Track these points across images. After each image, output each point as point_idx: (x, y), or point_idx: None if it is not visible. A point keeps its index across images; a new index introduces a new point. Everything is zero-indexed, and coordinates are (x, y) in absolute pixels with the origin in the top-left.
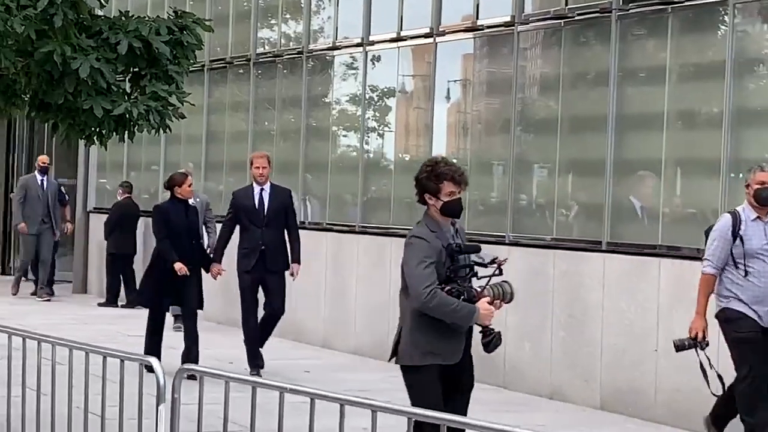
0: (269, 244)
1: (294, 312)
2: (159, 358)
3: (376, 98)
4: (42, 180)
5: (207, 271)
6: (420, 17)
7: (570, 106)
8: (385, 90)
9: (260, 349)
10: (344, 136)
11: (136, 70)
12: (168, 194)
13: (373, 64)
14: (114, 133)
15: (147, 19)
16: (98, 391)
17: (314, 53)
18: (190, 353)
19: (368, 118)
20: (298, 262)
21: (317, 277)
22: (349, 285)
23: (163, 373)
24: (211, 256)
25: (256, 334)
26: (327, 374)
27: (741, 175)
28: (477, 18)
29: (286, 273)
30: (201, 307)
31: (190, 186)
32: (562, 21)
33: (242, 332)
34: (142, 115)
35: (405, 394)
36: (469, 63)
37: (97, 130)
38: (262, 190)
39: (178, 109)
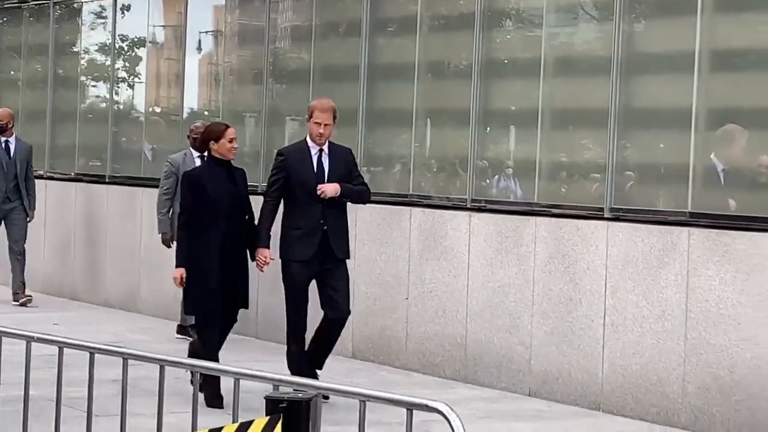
0: (333, 225)
1: (45, 264)
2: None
3: (126, 48)
4: (7, 142)
5: (252, 257)
6: None
7: (322, 56)
8: (136, 40)
9: (318, 371)
10: (93, 86)
11: None
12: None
13: (123, 13)
14: None
15: None
16: None
17: (62, 1)
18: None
19: (118, 68)
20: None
21: (67, 229)
22: (100, 237)
23: None
24: None
25: (304, 347)
26: (77, 327)
27: (488, 128)
28: None
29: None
30: (246, 305)
31: (231, 142)
32: None
33: (287, 349)
34: None
35: (159, 346)
36: (221, 14)
37: None
38: (321, 151)
39: None
